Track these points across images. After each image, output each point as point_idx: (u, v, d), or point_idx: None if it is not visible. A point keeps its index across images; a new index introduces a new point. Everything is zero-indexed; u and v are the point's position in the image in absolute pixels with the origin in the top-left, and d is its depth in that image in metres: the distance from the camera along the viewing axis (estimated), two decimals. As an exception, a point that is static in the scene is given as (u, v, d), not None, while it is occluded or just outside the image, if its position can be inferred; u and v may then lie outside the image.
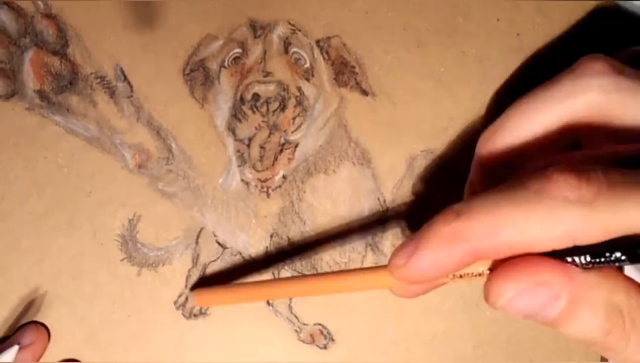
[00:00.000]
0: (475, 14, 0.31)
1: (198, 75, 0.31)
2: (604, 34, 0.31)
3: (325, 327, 0.30)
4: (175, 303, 0.30)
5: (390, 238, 0.30)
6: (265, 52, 0.30)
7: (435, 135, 0.31)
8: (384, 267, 0.21)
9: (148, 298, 0.30)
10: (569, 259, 0.18)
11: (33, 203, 0.30)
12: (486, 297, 0.19)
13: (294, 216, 0.31)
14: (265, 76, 0.30)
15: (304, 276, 0.29)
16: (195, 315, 0.30)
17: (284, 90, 0.30)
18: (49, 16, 0.30)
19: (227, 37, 0.31)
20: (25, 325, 0.29)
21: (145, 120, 0.30)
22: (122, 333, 0.30)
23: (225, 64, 0.31)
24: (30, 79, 0.30)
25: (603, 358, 0.30)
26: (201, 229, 0.30)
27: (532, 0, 0.31)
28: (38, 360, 0.29)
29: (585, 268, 0.18)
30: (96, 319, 0.30)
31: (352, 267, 0.30)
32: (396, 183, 0.31)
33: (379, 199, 0.31)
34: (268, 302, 0.30)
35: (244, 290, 0.27)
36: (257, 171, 0.30)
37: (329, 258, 0.30)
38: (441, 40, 0.31)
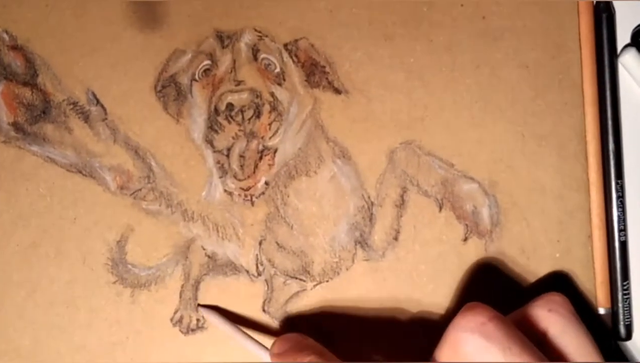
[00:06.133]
0: (439, 1, 0.31)
1: (170, 91, 0.31)
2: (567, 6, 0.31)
3: (322, 330, 0.30)
4: (171, 320, 0.30)
5: (379, 233, 0.31)
6: (234, 61, 0.30)
7: (412, 126, 0.31)
8: None
9: (144, 318, 0.30)
10: None
11: (20, 235, 0.30)
12: None
13: (280, 221, 0.31)
14: (237, 85, 0.30)
15: None
16: (192, 330, 0.30)
17: (257, 97, 0.30)
18: (15, 48, 0.30)
19: (195, 50, 0.31)
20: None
21: (122, 141, 0.30)
22: (123, 356, 0.30)
23: (196, 76, 0.31)
24: (3, 112, 0.30)
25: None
26: (190, 244, 0.30)
27: (495, -18, 0.31)
28: None
29: None
30: (95, 344, 0.30)
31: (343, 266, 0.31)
32: (379, 178, 0.31)
33: (363, 195, 0.31)
34: (264, 310, 0.30)
35: None
36: (239, 180, 0.30)
37: (320, 259, 0.30)
38: (408, 31, 0.31)
